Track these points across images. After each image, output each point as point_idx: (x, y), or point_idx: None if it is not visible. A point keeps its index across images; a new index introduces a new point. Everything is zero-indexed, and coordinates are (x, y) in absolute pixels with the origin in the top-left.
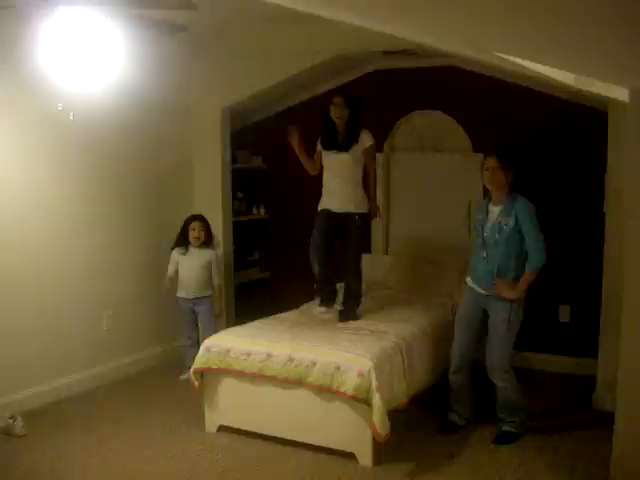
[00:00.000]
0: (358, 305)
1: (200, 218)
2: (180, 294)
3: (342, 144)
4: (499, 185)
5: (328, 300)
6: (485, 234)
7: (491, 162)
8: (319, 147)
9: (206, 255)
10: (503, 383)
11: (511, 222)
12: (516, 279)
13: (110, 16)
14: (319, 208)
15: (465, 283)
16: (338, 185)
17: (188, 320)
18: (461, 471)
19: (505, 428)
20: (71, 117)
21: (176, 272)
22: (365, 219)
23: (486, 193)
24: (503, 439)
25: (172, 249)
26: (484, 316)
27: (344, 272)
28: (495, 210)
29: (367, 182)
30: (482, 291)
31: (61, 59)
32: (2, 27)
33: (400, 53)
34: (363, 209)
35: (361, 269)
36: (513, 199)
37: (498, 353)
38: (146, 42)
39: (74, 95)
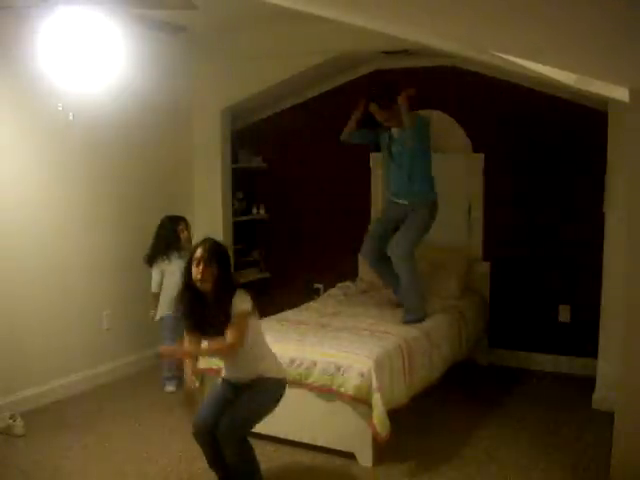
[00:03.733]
0: None
1: (184, 218)
2: (168, 311)
3: (216, 323)
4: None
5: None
6: None
7: None
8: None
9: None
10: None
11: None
12: None
13: (110, 16)
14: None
15: None
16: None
17: (173, 335)
18: (461, 471)
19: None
20: (70, 117)
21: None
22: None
23: None
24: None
25: (152, 260)
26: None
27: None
28: None
29: None
30: None
31: (61, 59)
32: (2, 27)
33: (400, 53)
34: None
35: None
36: None
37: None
38: (146, 42)
39: (74, 95)
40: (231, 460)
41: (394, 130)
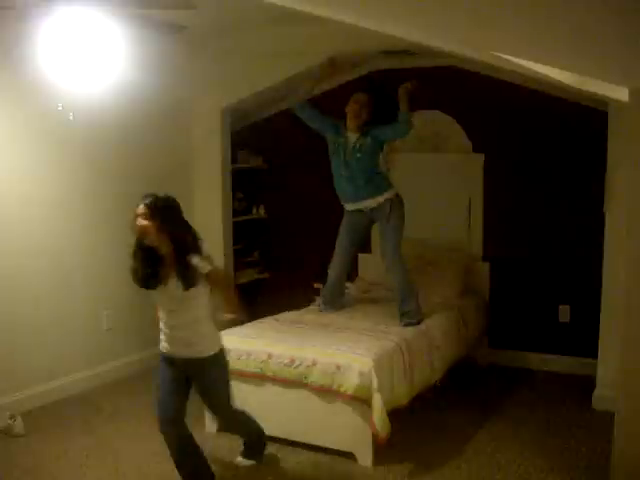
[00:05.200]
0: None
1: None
2: None
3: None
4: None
5: None
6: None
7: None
8: None
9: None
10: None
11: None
12: None
13: (110, 16)
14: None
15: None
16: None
17: None
18: (461, 471)
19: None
20: (70, 117)
21: None
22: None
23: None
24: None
25: None
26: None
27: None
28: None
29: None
30: None
31: (61, 59)
32: (2, 27)
33: (400, 53)
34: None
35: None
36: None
37: None
38: (146, 42)
39: (74, 95)
40: (235, 430)
41: (350, 135)
